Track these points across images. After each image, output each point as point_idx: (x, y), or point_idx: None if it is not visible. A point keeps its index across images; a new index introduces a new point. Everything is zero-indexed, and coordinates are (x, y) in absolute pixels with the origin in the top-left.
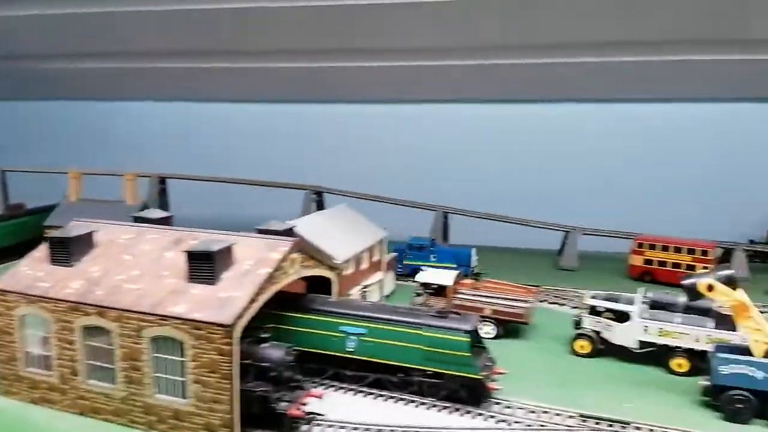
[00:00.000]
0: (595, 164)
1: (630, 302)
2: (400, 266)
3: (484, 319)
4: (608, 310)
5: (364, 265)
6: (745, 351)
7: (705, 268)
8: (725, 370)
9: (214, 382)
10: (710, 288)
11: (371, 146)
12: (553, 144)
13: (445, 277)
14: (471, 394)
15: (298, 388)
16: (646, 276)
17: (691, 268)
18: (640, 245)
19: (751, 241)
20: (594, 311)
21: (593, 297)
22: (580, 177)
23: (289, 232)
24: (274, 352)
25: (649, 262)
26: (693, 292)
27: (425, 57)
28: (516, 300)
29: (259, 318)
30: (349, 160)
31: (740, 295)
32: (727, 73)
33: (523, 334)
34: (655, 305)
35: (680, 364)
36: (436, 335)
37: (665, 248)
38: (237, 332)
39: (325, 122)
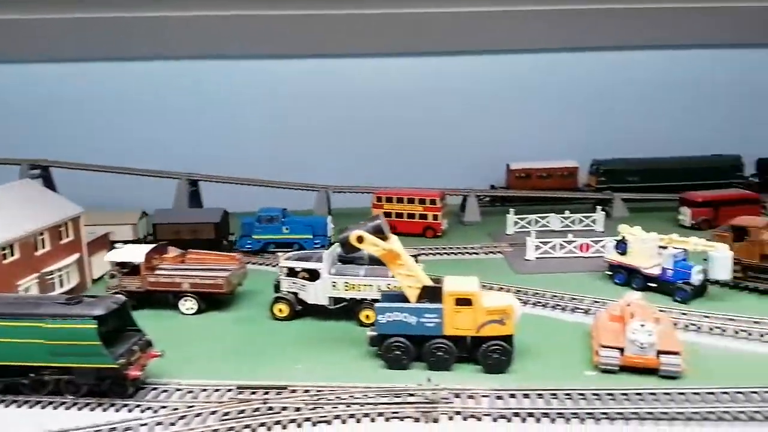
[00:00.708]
0: (347, 122)
1: (320, 260)
2: (249, 242)
3: (184, 294)
4: (303, 269)
5: (44, 249)
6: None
7: (435, 216)
8: (384, 318)
9: None
10: (360, 239)
11: (103, 111)
12: (299, 103)
13: (136, 253)
14: (114, 385)
15: None
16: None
17: (423, 217)
18: (379, 199)
19: (492, 186)
20: (292, 272)
21: (287, 258)
22: (336, 135)
23: None
24: None
25: (388, 214)
26: (347, 246)
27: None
28: (217, 270)
29: None
30: (80, 128)
31: (390, 244)
32: (461, 25)
33: (230, 304)
34: (345, 260)
35: (368, 315)
36: (59, 326)
37: (400, 200)
38: None
39: (44, 85)
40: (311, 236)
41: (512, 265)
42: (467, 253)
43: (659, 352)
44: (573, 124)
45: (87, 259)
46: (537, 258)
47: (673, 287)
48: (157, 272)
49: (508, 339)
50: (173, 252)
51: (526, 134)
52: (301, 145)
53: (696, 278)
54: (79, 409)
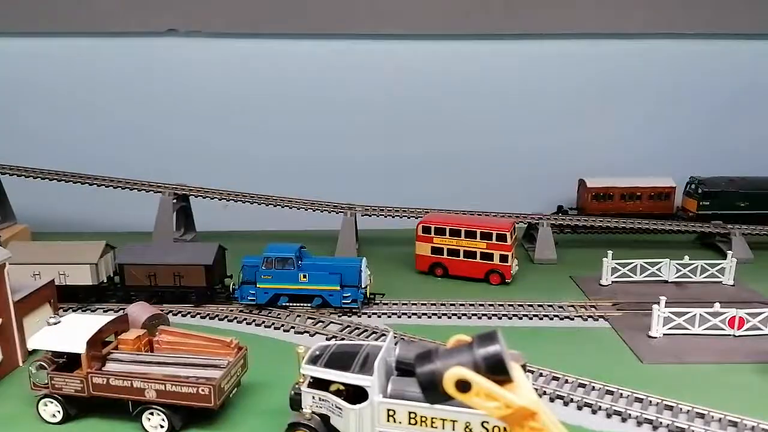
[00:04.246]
0: (376, 123)
1: (368, 364)
2: (252, 292)
3: (149, 405)
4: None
5: None
6: None
7: (503, 256)
8: None
9: None
10: (464, 385)
11: (64, 100)
12: (315, 98)
13: (75, 337)
14: None
15: None
16: (437, 268)
17: (487, 257)
18: (426, 230)
19: (560, 208)
20: (320, 382)
21: (313, 359)
22: (361, 139)
23: None
24: None
25: (438, 250)
26: (436, 392)
27: None
28: (200, 366)
29: None
30: (35, 122)
31: (519, 395)
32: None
33: (218, 418)
34: (405, 367)
35: None
36: None
37: (455, 232)
38: None
39: None
40: (338, 287)
41: (631, 345)
42: (555, 316)
43: None
44: (659, 131)
45: (15, 325)
46: (664, 334)
47: None
48: (108, 368)
49: None
50: (135, 332)
51: (602, 141)
52: (319, 151)
53: None
54: None
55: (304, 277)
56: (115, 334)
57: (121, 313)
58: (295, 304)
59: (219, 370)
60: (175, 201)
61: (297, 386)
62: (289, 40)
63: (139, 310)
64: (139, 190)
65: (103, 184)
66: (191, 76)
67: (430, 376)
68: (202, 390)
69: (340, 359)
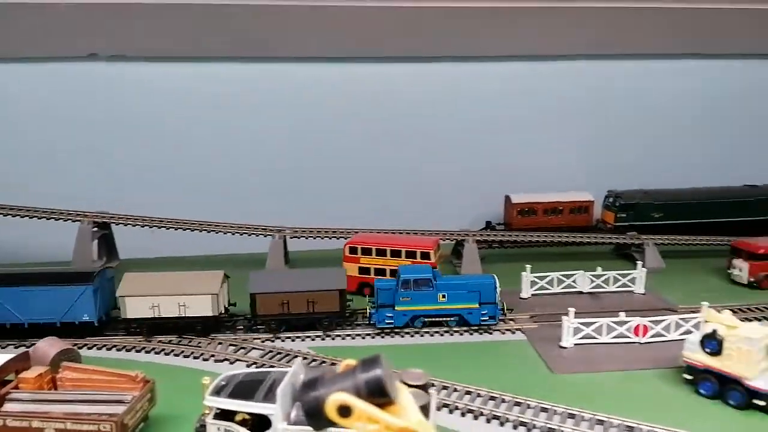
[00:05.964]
0: (301, 143)
1: (273, 392)
2: (389, 315)
3: None
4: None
5: None
6: None
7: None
8: None
9: None
10: (345, 411)
11: None
12: (230, 113)
13: None
14: None
15: None
16: (365, 288)
17: None
18: (353, 250)
19: (488, 224)
20: (225, 413)
21: (218, 389)
22: (286, 159)
23: None
24: None
25: (365, 270)
26: (320, 418)
27: None
28: (104, 402)
29: None
30: None
31: (404, 417)
32: (448, 23)
33: None
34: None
35: None
36: None
37: (381, 252)
38: None
39: None
40: (477, 305)
41: (543, 356)
42: (474, 331)
43: None
44: (575, 148)
45: None
46: (575, 344)
47: None
48: (6, 408)
49: None
50: (37, 369)
51: (523, 157)
52: (247, 173)
53: None
54: None
55: (443, 296)
56: (15, 372)
57: (22, 350)
58: (431, 328)
59: (123, 406)
60: (95, 230)
61: (202, 418)
62: (206, 64)
63: (48, 346)
64: (56, 220)
65: (18, 215)
66: (113, 100)
67: (314, 403)
68: (104, 427)
69: (246, 388)
